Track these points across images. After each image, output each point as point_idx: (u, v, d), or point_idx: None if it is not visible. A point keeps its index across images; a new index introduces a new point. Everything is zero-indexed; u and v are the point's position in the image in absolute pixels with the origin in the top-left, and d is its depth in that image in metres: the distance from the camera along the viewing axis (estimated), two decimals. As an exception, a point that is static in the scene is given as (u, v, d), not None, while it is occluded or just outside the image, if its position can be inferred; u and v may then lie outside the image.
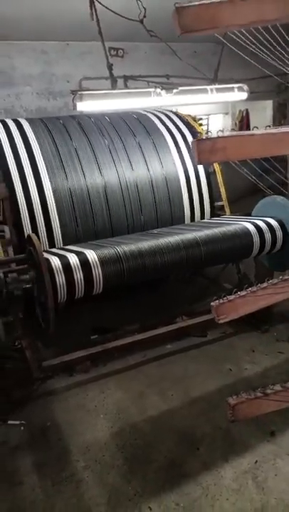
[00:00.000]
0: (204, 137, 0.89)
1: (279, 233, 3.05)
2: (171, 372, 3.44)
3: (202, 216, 3.93)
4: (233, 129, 10.90)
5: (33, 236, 2.55)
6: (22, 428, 2.97)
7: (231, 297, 1.07)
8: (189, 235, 2.86)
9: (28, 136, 3.60)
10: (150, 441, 2.72)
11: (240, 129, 11.17)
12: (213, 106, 10.32)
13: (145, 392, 3.21)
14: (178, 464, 2.52)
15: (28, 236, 2.65)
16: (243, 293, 1.06)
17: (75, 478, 2.50)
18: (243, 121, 11.19)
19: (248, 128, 11.17)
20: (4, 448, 2.79)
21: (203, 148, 0.88)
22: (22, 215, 3.37)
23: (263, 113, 10.51)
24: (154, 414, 2.98)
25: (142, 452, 2.64)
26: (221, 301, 1.07)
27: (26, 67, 5.48)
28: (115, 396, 3.21)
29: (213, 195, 3.97)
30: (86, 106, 3.32)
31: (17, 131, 3.64)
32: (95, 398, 3.20)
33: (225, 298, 1.06)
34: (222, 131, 0.99)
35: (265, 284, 1.09)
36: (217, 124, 11.46)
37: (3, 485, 2.49)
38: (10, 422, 3.03)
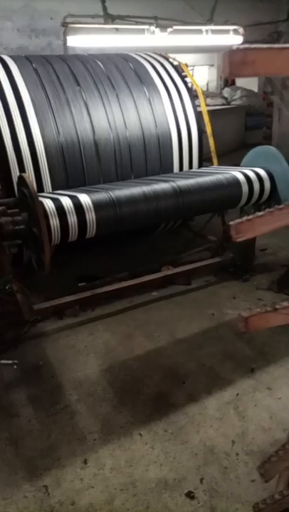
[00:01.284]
0: (235, 48, 0.91)
1: (267, 183, 3.13)
2: (157, 316, 3.59)
3: (190, 166, 3.95)
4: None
5: (26, 176, 2.53)
6: (15, 367, 3.08)
7: (250, 217, 1.13)
8: (181, 182, 2.90)
9: (16, 78, 3.45)
10: (138, 376, 2.89)
11: (225, 83, 10.95)
12: (198, 56, 10.02)
13: (132, 334, 3.36)
14: (165, 396, 2.71)
15: (21, 176, 2.62)
16: (260, 213, 1.12)
17: (68, 409, 2.66)
18: (229, 74, 10.95)
19: (233, 82, 10.94)
20: (-2, 384, 2.91)
21: (235, 59, 0.90)
22: (9, 160, 3.31)
23: (250, 65, 10.29)
24: (141, 353, 3.14)
25: (131, 386, 2.81)
26: (240, 220, 1.13)
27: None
28: (104, 337, 3.34)
29: (202, 146, 3.97)
30: (78, 41, 3.17)
31: (3, 71, 3.48)
32: (85, 339, 3.33)
33: (244, 217, 1.12)
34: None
35: (281, 206, 1.15)
36: (202, 77, 11.16)
37: (0, 417, 2.62)
38: (2, 361, 3.13)
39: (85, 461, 2.29)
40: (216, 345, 3.15)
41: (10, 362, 3.12)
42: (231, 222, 1.13)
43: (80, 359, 3.11)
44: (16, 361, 3.11)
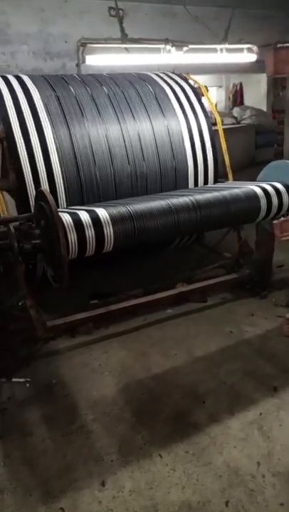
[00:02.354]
0: (279, 46, 0.89)
1: (286, 197, 3.08)
2: (173, 333, 3.51)
3: (206, 182, 3.94)
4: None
5: (45, 191, 2.52)
6: (28, 385, 3.00)
7: None
8: (199, 197, 2.87)
9: (32, 94, 3.51)
10: (156, 395, 2.80)
11: (234, 103, 11.11)
12: (206, 78, 10.19)
13: (148, 352, 3.27)
14: (185, 416, 2.61)
15: (40, 191, 2.61)
16: None
17: (84, 429, 2.56)
18: (237, 95, 11.11)
19: (241, 102, 11.10)
20: (11, 403, 2.83)
21: (279, 57, 0.88)
22: (25, 176, 3.33)
23: (258, 87, 10.43)
24: (158, 371, 3.05)
25: (149, 406, 2.71)
26: (284, 218, 1.08)
27: (22, 24, 5.27)
28: (119, 355, 3.26)
29: (218, 163, 3.96)
30: (96, 60, 3.22)
31: (18, 85, 3.54)
32: (99, 357, 3.25)
33: (288, 216, 1.08)
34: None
35: None
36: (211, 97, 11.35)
37: (13, 436, 2.53)
38: (14, 379, 3.06)
39: (103, 483, 2.18)
40: (235, 363, 3.05)
41: (22, 380, 3.04)
42: (275, 221, 1.09)
43: (94, 377, 3.02)
44: (28, 379, 3.04)
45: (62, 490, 2.16)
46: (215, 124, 4.09)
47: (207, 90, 3.92)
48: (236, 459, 2.27)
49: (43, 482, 2.21)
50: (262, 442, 2.37)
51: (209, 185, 3.91)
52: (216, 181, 3.98)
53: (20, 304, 3.27)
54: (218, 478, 2.17)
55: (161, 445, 2.40)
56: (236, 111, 9.75)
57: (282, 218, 1.00)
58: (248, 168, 7.49)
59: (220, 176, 4.12)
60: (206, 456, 2.31)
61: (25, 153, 3.32)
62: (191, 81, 3.97)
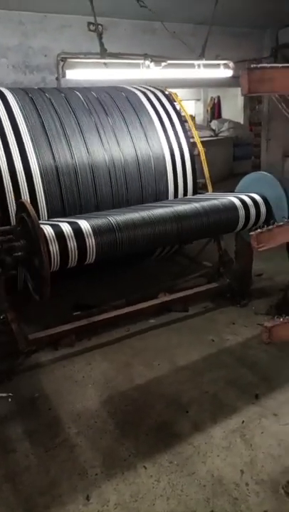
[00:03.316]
0: (253, 66, 0.94)
1: (263, 208, 3.17)
2: (155, 343, 3.52)
3: (185, 194, 4.00)
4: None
5: (27, 203, 2.52)
6: (10, 400, 2.96)
7: (270, 227, 1.13)
8: (180, 208, 2.92)
9: (12, 107, 3.51)
10: (140, 406, 2.80)
11: (212, 116, 11.34)
12: (185, 91, 10.40)
13: (131, 363, 3.27)
14: (168, 426, 2.61)
15: (21, 203, 2.61)
16: (280, 223, 1.13)
17: (68, 443, 2.54)
18: (215, 108, 11.36)
19: (219, 115, 11.34)
20: (-7, 418, 2.78)
21: (253, 77, 0.93)
22: (6, 188, 3.31)
23: (235, 100, 10.69)
24: (142, 382, 3.05)
25: (132, 417, 2.71)
26: (260, 230, 1.13)
27: (1, 37, 5.27)
28: (102, 367, 3.25)
29: (196, 174, 4.04)
30: (75, 74, 3.26)
31: (1, 104, 3.54)
32: (82, 369, 3.23)
33: (264, 227, 1.12)
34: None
35: (299, 216, 1.16)
36: (189, 110, 11.56)
37: (-5, 452, 2.49)
38: (-4, 394, 3.01)
39: (88, 498, 2.16)
40: (218, 372, 3.08)
41: (4, 395, 3.00)
42: (252, 233, 1.13)
43: (77, 390, 3.00)
44: (10, 394, 3.00)
45: (46, 506, 2.13)
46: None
47: (177, 96, 3.98)
48: (220, 468, 2.29)
49: (26, 499, 2.17)
50: (244, 450, 2.39)
51: (189, 196, 3.97)
52: (195, 193, 4.05)
53: (1, 317, 3.23)
54: (202, 487, 2.18)
55: (146, 456, 2.40)
56: (214, 124, 9.95)
57: (259, 230, 1.04)
58: (226, 179, 7.64)
59: (199, 188, 4.19)
60: (189, 466, 2.31)
61: (5, 164, 3.31)
62: (166, 92, 4.04)
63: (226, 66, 3.88)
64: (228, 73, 3.99)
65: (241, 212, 3.10)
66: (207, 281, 4.14)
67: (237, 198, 3.17)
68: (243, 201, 3.14)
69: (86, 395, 2.95)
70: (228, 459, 2.35)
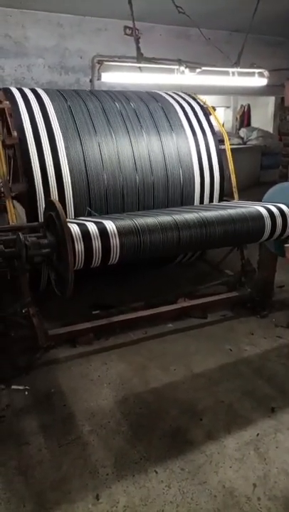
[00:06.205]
0: None
1: (290, 219, 3.12)
2: (173, 348, 3.51)
3: (211, 200, 3.99)
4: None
5: (56, 201, 2.56)
6: (26, 393, 3.00)
7: None
8: (205, 213, 2.91)
9: (47, 108, 3.59)
10: (154, 410, 2.79)
11: (241, 124, 11.27)
12: (214, 98, 10.38)
13: (147, 366, 3.27)
14: (182, 432, 2.60)
15: (50, 201, 2.65)
16: None
17: (80, 441, 2.56)
18: (244, 116, 11.28)
19: (248, 124, 11.26)
20: (9, 411, 2.82)
21: None
22: (36, 185, 3.38)
23: (265, 109, 10.60)
24: (157, 386, 3.05)
25: (146, 420, 2.71)
26: None
27: (40, 38, 5.40)
28: (118, 367, 3.26)
29: (224, 181, 4.02)
30: (111, 77, 3.31)
31: (33, 96, 3.62)
32: (98, 368, 3.25)
33: None
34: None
35: None
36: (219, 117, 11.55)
37: (9, 444, 2.52)
38: (14, 386, 3.06)
39: (97, 497, 2.17)
40: (234, 382, 3.05)
41: (21, 388, 3.05)
42: (287, 245, 1.11)
43: (93, 389, 3.02)
44: (27, 387, 3.04)
45: (56, 502, 2.15)
46: (222, 141, 4.16)
47: (214, 110, 3.99)
48: (232, 480, 2.26)
49: (37, 493, 2.20)
50: (258, 464, 2.36)
51: (215, 203, 3.96)
52: (221, 200, 4.03)
53: (23, 311, 3.29)
54: (212, 498, 2.16)
55: (157, 461, 2.39)
56: (243, 132, 9.89)
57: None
58: (252, 188, 7.59)
59: (225, 195, 4.17)
60: (201, 475, 2.29)
61: (37, 161, 3.38)
62: (199, 100, 4.06)
63: (261, 75, 3.86)
64: (263, 82, 3.96)
65: (268, 222, 3.06)
66: (228, 289, 4.10)
67: (264, 207, 3.14)
68: (269, 211, 3.11)
69: (101, 394, 2.97)
70: (240, 471, 2.32)
